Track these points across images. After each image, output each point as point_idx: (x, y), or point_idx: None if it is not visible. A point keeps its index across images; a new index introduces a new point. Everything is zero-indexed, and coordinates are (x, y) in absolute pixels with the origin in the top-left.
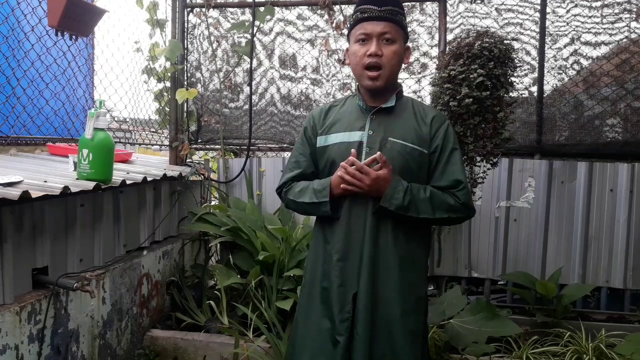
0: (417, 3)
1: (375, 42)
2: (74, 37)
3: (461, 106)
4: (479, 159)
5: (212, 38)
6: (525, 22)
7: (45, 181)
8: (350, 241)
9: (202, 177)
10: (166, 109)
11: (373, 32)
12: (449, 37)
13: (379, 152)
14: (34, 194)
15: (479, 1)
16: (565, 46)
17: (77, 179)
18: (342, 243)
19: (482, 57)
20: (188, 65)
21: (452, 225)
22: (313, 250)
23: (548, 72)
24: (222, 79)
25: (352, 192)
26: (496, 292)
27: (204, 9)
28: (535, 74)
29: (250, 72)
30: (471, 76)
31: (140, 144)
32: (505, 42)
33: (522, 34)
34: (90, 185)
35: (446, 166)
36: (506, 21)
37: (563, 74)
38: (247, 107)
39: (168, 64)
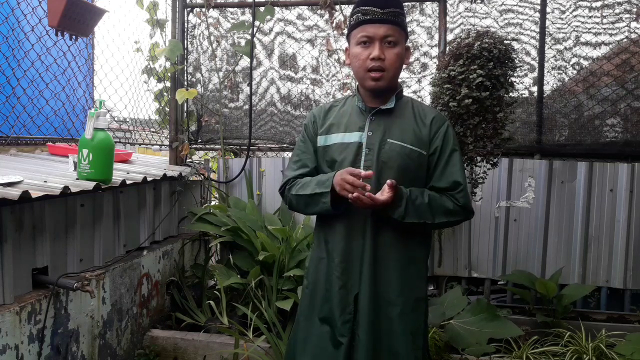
0: (417, 3)
1: (377, 45)
2: (74, 37)
3: (461, 106)
4: (479, 159)
5: (212, 38)
6: (525, 22)
7: (45, 181)
8: (351, 242)
9: (202, 177)
10: (166, 109)
11: (375, 36)
12: (449, 37)
13: (391, 180)
14: (34, 194)
15: (479, 1)
16: (565, 46)
17: (77, 179)
18: (343, 244)
19: (481, 57)
20: (188, 65)
21: (457, 225)
22: (315, 251)
23: (548, 72)
24: (222, 79)
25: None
26: (496, 292)
27: (204, 9)
28: (535, 74)
29: (250, 72)
30: (471, 77)
31: (140, 144)
32: (505, 42)
33: (522, 34)
34: (90, 185)
35: (445, 168)
36: (506, 21)
37: (563, 74)
38: (247, 107)
39: (168, 64)
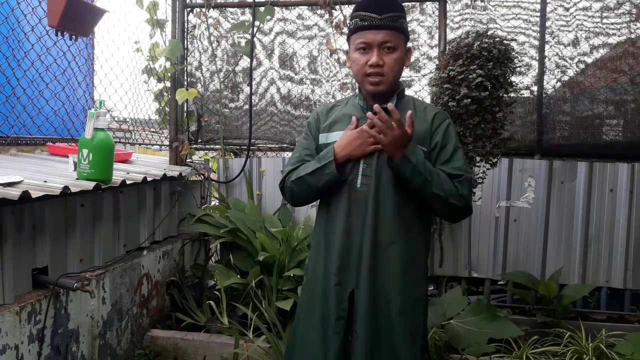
0: (417, 3)
1: (376, 51)
2: (74, 37)
3: (460, 106)
4: (478, 159)
5: (212, 38)
6: (526, 22)
7: (45, 181)
8: (349, 239)
9: (202, 177)
10: (166, 109)
11: (374, 42)
12: (449, 36)
13: (410, 112)
14: (34, 194)
15: (478, 1)
16: (565, 46)
17: (77, 179)
18: (342, 241)
19: (481, 57)
20: (188, 65)
21: (451, 217)
22: (314, 249)
23: (549, 71)
24: (222, 79)
25: (364, 152)
26: (496, 292)
27: (204, 9)
28: (535, 74)
29: (250, 72)
30: (470, 77)
31: (140, 144)
32: (505, 42)
33: (522, 33)
34: (90, 185)
35: (448, 163)
36: (506, 21)
37: (563, 73)
38: (247, 107)
39: (168, 64)
